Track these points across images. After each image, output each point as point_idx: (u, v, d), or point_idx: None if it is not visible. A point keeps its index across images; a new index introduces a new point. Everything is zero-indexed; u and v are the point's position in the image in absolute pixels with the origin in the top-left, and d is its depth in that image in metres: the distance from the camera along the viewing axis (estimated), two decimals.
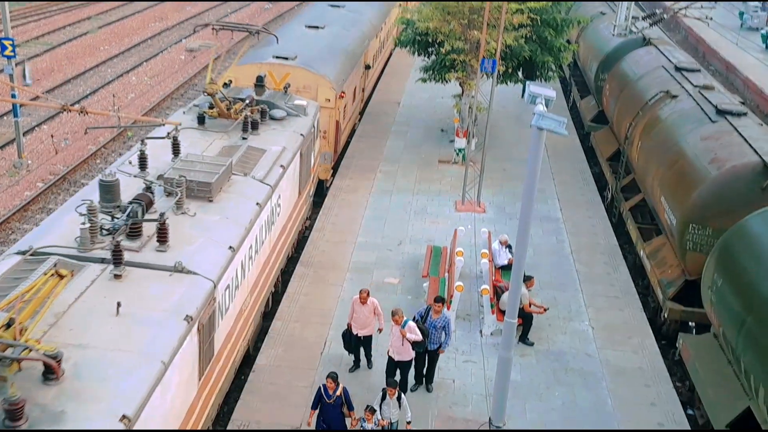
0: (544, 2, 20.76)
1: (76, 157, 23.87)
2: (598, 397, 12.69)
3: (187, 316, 8.98)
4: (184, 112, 15.62)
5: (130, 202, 10.17)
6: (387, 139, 24.19)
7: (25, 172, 22.52)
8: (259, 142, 14.40)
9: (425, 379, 12.53)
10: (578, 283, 16.17)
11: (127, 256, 9.50)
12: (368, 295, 12.48)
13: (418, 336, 11.81)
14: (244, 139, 14.30)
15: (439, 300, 12.34)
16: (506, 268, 15.35)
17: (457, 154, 22.42)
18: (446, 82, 22.76)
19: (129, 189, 11.00)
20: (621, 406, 12.50)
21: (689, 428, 11.57)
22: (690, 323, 14.31)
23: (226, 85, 16.55)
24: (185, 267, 9.69)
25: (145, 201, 10.31)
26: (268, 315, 14.65)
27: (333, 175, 20.98)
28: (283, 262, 15.22)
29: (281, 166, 13.92)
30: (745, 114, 16.26)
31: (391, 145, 23.72)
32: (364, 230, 18.04)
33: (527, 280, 13.70)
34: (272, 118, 15.63)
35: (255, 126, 14.76)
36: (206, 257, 10.24)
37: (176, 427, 8.94)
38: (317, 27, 23.16)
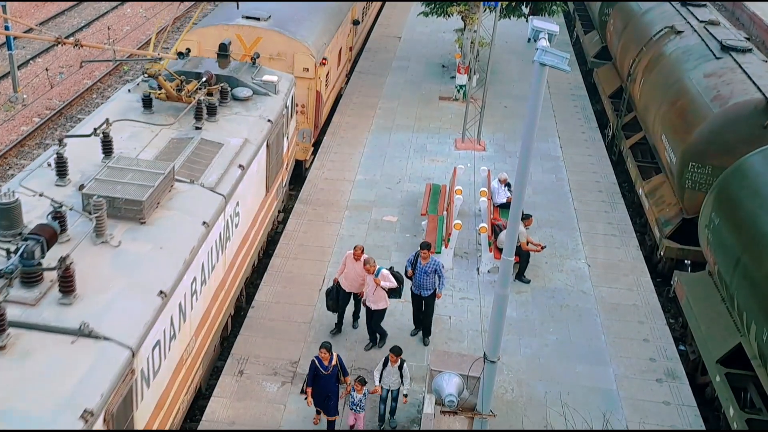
0: None
1: (71, 91, 23.65)
2: (592, 333, 12.89)
3: (85, 411, 6.65)
4: (129, 90, 13.05)
5: (26, 238, 7.70)
6: (387, 75, 23.85)
7: (21, 106, 22.33)
8: (215, 132, 11.94)
9: (423, 331, 12.48)
10: (576, 221, 16.22)
11: (18, 312, 7.31)
12: (362, 251, 11.86)
13: (392, 283, 11.57)
14: (197, 129, 11.83)
15: (425, 246, 11.96)
16: (505, 207, 15.38)
17: (458, 91, 22.15)
18: (448, 16, 22.31)
19: (41, 206, 8.83)
20: (614, 342, 12.72)
21: (692, 399, 11.72)
22: (686, 261, 14.42)
23: (181, 55, 13.49)
24: (93, 329, 7.35)
25: (45, 236, 7.78)
26: (266, 252, 14.76)
27: (314, 153, 18.49)
28: (246, 272, 12.84)
29: (240, 166, 11.49)
30: (750, 50, 15.98)
31: (390, 81, 23.40)
32: (363, 168, 17.98)
33: (525, 218, 13.73)
34: (235, 99, 13.18)
35: (212, 111, 12.26)
36: (126, 311, 7.89)
37: None
38: (257, 19, 18.08)
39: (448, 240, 14.13)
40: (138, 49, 26.94)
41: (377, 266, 11.63)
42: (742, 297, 10.96)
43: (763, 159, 11.95)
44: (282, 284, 13.63)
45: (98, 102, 23.16)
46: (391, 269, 11.87)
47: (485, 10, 19.68)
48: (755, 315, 10.43)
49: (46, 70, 24.32)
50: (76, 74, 24.76)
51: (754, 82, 14.17)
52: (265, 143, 12.84)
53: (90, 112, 21.60)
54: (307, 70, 17.12)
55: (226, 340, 12.42)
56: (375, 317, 11.97)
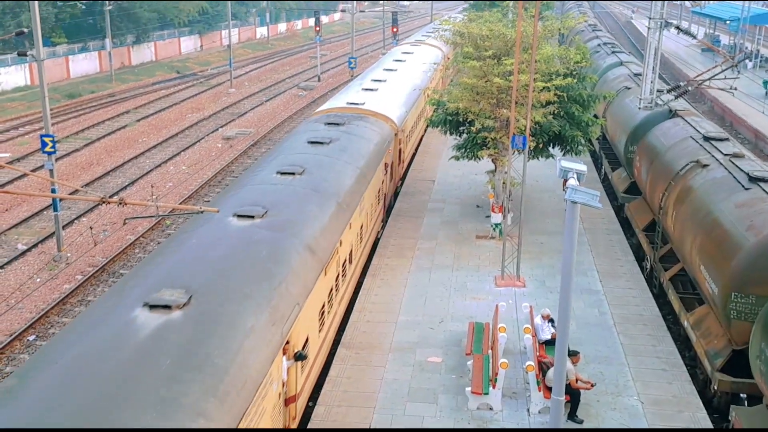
0: (570, 80, 21.34)
1: (114, 247, 24.57)
2: None
3: None
4: None
5: None
6: (424, 216, 24.59)
7: (64, 265, 23.16)
8: None
9: None
10: (623, 356, 16.02)
11: None
12: None
13: None
14: None
15: None
16: (550, 343, 15.32)
17: (494, 229, 22.68)
18: (479, 159, 23.30)
19: None
20: None
21: None
22: (741, 395, 14.04)
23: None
24: None
25: None
26: (310, 397, 14.73)
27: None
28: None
29: None
30: None
31: (427, 222, 24.08)
32: (405, 309, 18.18)
33: (572, 355, 13.66)
34: None
35: None
36: None
37: None
38: (292, 174, 17.23)
39: (495, 380, 14.03)
40: (180, 204, 28.25)
41: None
42: None
43: None
44: None
45: (140, 256, 23.96)
46: None
47: (514, 152, 20.57)
48: None
49: (90, 228, 25.41)
50: (120, 230, 25.84)
51: None
52: None
53: (132, 267, 22.28)
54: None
55: None
56: None
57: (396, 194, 26.58)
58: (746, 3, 58.72)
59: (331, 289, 15.71)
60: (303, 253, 14.10)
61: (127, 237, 25.48)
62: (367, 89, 29.14)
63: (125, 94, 52.91)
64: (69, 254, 23.96)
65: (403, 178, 28.63)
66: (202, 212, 14.56)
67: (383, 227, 23.55)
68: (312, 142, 20.29)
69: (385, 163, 23.41)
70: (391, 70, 34.64)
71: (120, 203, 12.00)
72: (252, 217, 14.40)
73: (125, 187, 31.16)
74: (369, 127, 23.43)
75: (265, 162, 19.14)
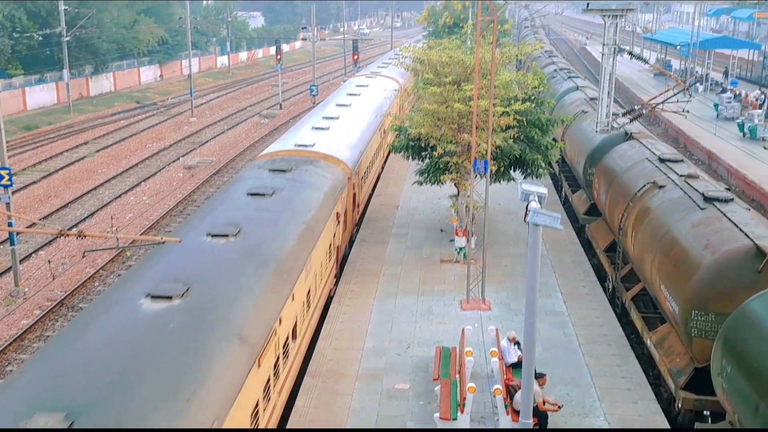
0: (528, 104, 21.73)
1: (74, 281, 24.07)
2: None
3: None
4: None
5: None
6: (388, 242, 24.61)
7: (22, 300, 22.61)
8: None
9: None
10: (589, 376, 16.14)
11: None
12: None
13: None
14: None
15: None
16: (517, 366, 15.36)
17: (458, 253, 22.80)
18: (441, 183, 23.51)
19: None
20: None
21: None
22: (705, 412, 14.23)
23: None
24: None
25: None
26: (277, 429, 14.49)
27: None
28: None
29: None
30: (731, 200, 16.79)
31: (392, 247, 24.11)
32: (372, 335, 18.10)
33: (539, 377, 13.72)
34: None
35: None
36: None
37: None
38: (224, 236, 14.92)
39: (463, 405, 13.99)
40: (141, 234, 27.84)
41: None
42: None
43: (764, 303, 12.21)
44: None
45: (100, 289, 23.51)
46: None
47: (476, 176, 20.79)
48: None
49: (49, 262, 24.94)
50: (79, 263, 25.35)
51: (741, 230, 14.79)
52: None
53: (92, 300, 21.76)
54: None
55: None
56: None
57: (351, 242, 24.57)
58: (695, 29, 60.69)
59: (268, 380, 12.93)
60: (229, 345, 11.54)
61: (86, 270, 25.02)
62: (317, 128, 26.77)
63: (84, 125, 52.23)
64: (26, 289, 23.42)
65: (359, 224, 26.46)
66: (163, 242, 14.04)
67: (336, 283, 21.11)
68: (252, 194, 17.85)
69: (337, 213, 20.94)
70: (345, 105, 32.40)
71: (79, 236, 11.75)
72: (169, 297, 11.85)
73: (84, 219, 30.63)
74: (319, 172, 21.18)
75: (196, 220, 16.67)
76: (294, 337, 15.24)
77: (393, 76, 42.83)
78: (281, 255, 15.31)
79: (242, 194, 18.03)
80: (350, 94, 35.57)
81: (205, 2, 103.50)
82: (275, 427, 13.76)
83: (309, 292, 16.80)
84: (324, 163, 22.24)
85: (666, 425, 14.44)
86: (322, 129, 26.69)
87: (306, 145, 23.72)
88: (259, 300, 13.31)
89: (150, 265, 13.89)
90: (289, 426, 14.40)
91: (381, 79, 42.42)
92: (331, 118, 28.98)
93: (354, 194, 24.72)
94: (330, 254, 19.91)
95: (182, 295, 12.05)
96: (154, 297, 11.86)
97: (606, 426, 14.36)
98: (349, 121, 29.21)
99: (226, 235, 14.87)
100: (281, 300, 14.10)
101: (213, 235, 14.86)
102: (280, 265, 14.89)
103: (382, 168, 34.35)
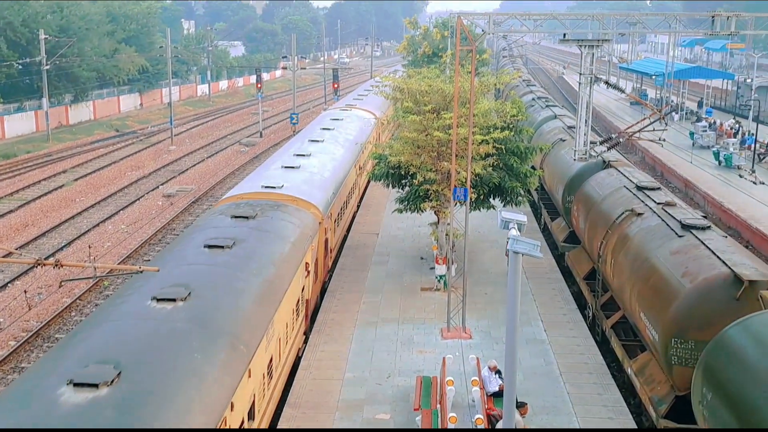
0: (507, 132, 21.91)
1: (50, 311, 23.63)
2: None
3: None
4: None
5: None
6: (368, 270, 24.51)
7: None
8: None
9: None
10: (571, 405, 16.07)
11: None
12: None
13: None
14: None
15: None
16: (498, 395, 15.25)
17: (439, 281, 22.75)
18: (421, 211, 23.54)
19: None
20: None
21: None
22: None
23: None
24: None
25: None
26: None
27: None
28: None
29: None
30: (709, 227, 16.95)
31: (372, 276, 24.01)
32: (352, 365, 17.92)
33: (521, 406, 13.64)
34: None
35: None
36: None
37: None
38: (172, 300, 13.02)
39: None
40: (119, 263, 27.50)
41: None
42: None
43: (743, 331, 12.29)
44: None
45: (77, 320, 23.12)
46: None
47: (456, 203, 20.85)
48: None
49: (25, 292, 24.48)
50: (56, 293, 24.92)
51: (719, 257, 14.90)
52: None
53: (68, 331, 21.26)
54: None
55: None
56: None
57: (323, 291, 22.75)
58: (670, 59, 61.87)
59: None
60: None
61: (63, 300, 24.59)
62: (287, 167, 24.64)
63: (62, 154, 51.79)
64: (2, 319, 22.96)
65: (333, 265, 24.86)
66: (141, 272, 13.80)
67: (306, 340, 19.24)
68: (210, 246, 15.87)
69: (307, 263, 18.99)
70: (317, 141, 29.94)
71: (56, 265, 11.57)
72: (96, 386, 9.74)
73: (62, 248, 30.19)
74: (286, 219, 19.21)
75: (142, 279, 14.23)
76: (251, 417, 13.10)
77: (369, 109, 42.05)
78: (237, 324, 13.25)
79: (198, 246, 16.04)
80: (324, 129, 33.15)
81: (186, 31, 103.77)
82: None
83: (271, 361, 14.70)
84: (293, 207, 20.31)
85: None
86: (292, 168, 24.61)
87: (273, 187, 21.75)
88: (207, 384, 11.15)
89: (80, 339, 11.60)
90: None
91: (357, 111, 40.89)
92: (303, 155, 26.84)
93: (326, 239, 22.74)
94: (297, 312, 18.00)
95: (111, 382, 9.90)
96: (77, 385, 9.74)
97: None
98: (321, 158, 27.14)
99: (174, 300, 12.75)
100: (234, 381, 11.91)
101: (159, 299, 12.75)
102: (234, 337, 12.74)
103: (358, 206, 32.83)
